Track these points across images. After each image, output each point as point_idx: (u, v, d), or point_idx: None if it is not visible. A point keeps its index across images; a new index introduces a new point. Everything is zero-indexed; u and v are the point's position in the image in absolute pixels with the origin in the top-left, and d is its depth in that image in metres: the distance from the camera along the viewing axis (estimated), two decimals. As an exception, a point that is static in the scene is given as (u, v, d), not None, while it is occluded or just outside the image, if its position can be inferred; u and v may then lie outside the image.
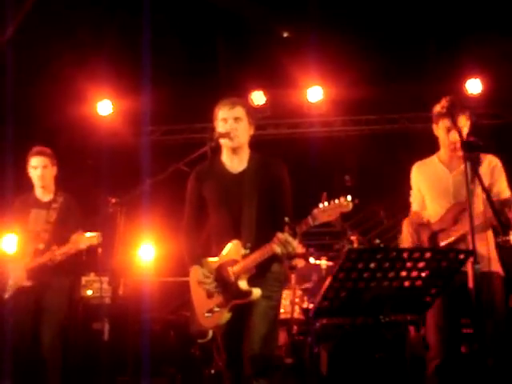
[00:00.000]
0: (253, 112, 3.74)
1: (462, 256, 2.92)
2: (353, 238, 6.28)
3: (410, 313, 3.77)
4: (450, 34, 7.41)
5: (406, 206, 4.24)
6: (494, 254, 3.73)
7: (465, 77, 7.77)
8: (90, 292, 6.56)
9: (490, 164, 3.83)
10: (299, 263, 6.63)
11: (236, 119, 3.55)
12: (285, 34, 8.17)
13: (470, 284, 3.07)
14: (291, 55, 7.54)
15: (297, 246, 3.27)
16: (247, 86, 8.17)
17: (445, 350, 3.63)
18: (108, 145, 8.58)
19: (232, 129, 3.53)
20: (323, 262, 6.32)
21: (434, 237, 3.80)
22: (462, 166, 3.82)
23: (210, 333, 3.49)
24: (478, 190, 3.56)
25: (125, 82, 8.01)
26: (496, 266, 3.72)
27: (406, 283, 2.90)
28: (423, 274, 2.89)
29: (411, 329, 5.32)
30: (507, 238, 6.31)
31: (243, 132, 3.57)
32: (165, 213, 8.14)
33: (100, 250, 7.32)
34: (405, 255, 2.81)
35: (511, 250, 6.11)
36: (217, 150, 3.67)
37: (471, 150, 3.21)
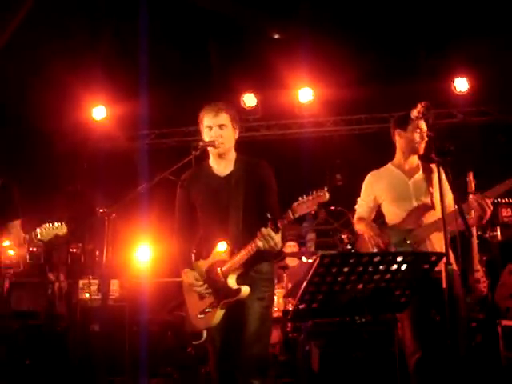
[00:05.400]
0: (237, 116, 3.74)
1: (433, 258, 3.03)
2: (344, 236, 6.41)
3: (388, 312, 3.84)
4: (438, 36, 7.53)
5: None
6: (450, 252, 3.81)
7: (452, 76, 7.89)
8: (87, 295, 6.66)
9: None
10: (291, 262, 6.76)
11: (220, 126, 3.58)
12: (276, 36, 8.24)
13: (444, 285, 3.15)
14: (282, 57, 7.61)
15: (279, 242, 3.31)
16: (239, 88, 8.25)
17: (422, 343, 3.71)
18: (103, 149, 8.71)
19: (217, 136, 3.56)
20: (315, 261, 6.42)
21: (401, 237, 3.88)
22: (421, 172, 4.03)
23: (204, 334, 3.56)
24: (437, 194, 3.74)
25: (118, 87, 8.11)
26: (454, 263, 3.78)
27: (381, 285, 2.96)
28: (396, 277, 2.96)
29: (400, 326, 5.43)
30: (495, 233, 6.44)
31: (228, 138, 3.61)
32: (161, 213, 8.24)
33: (97, 253, 7.46)
34: (377, 259, 2.88)
35: (497, 245, 6.25)
36: (203, 156, 3.71)
37: (443, 156, 3.28)
